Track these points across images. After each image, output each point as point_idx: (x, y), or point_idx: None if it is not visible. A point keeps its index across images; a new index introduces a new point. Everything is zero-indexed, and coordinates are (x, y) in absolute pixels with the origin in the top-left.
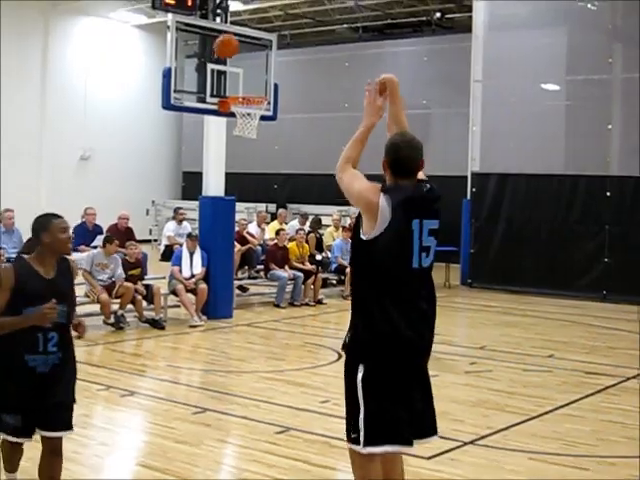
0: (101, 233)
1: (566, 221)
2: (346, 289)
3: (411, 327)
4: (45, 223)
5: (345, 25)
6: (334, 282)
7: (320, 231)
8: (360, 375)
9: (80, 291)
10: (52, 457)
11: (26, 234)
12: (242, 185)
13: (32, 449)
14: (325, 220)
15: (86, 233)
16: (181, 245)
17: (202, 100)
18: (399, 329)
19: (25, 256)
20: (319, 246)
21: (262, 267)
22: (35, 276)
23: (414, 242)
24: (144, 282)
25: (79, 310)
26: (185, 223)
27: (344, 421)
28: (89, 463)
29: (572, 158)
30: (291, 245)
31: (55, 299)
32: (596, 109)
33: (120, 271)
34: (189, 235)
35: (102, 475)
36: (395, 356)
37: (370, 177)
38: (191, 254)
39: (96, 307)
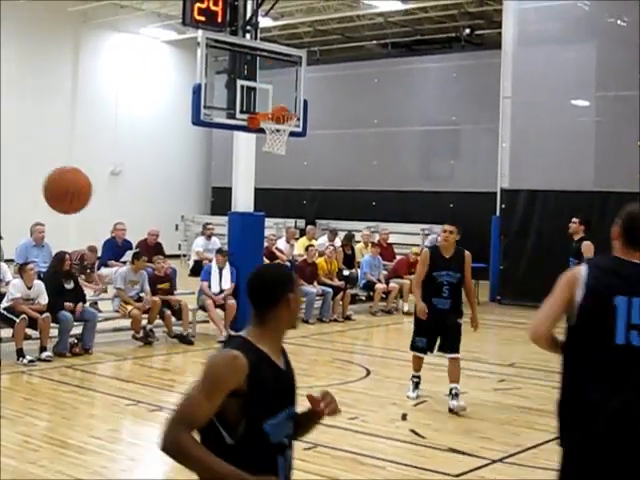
0: (130, 248)
1: (595, 237)
2: (375, 305)
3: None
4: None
5: (374, 41)
6: (363, 298)
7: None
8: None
9: (109, 306)
10: None
11: (55, 249)
12: (271, 201)
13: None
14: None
15: (115, 248)
16: (210, 260)
17: (232, 116)
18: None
19: (243, 334)
20: (350, 262)
21: None
22: (269, 366)
23: (618, 318)
24: (173, 297)
25: (108, 325)
26: (214, 238)
27: (372, 438)
28: (116, 478)
29: (602, 174)
30: (320, 261)
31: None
32: (626, 125)
33: (147, 285)
34: (219, 250)
35: None
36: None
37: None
38: (220, 270)
39: (125, 322)
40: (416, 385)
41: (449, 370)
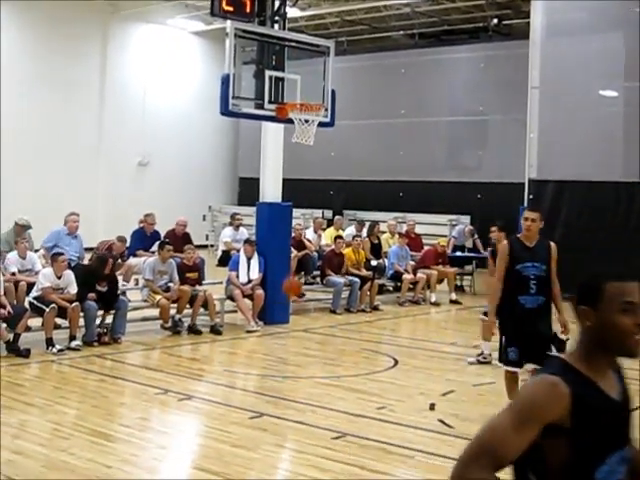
0: (159, 239)
1: (625, 228)
2: (402, 296)
3: None
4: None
5: (401, 32)
6: (390, 288)
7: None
8: None
9: (137, 296)
10: None
11: (84, 239)
12: (298, 191)
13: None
14: (381, 227)
15: (144, 238)
16: (238, 251)
17: (260, 106)
18: None
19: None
20: (377, 252)
21: (318, 273)
22: (597, 396)
23: None
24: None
25: (137, 315)
26: (242, 229)
27: (400, 427)
28: (146, 466)
29: (630, 165)
30: (347, 251)
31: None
32: None
33: (176, 275)
34: (247, 240)
35: (160, 477)
36: None
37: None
38: (249, 259)
39: (154, 311)
40: None
41: None
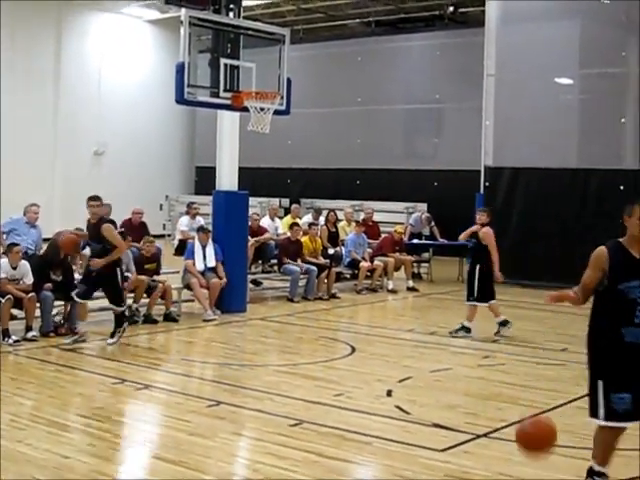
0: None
1: (579, 215)
2: (359, 283)
3: None
4: None
5: (358, 20)
6: (347, 276)
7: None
8: None
9: None
10: None
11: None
12: (255, 180)
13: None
14: (338, 215)
15: None
16: (194, 239)
17: (215, 95)
18: None
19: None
20: (334, 240)
21: (275, 261)
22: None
23: None
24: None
25: (94, 305)
26: (198, 218)
27: (357, 414)
28: (105, 455)
29: (585, 152)
30: (304, 239)
31: None
32: (610, 103)
33: (132, 265)
34: (201, 228)
35: (118, 467)
36: None
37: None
38: (203, 247)
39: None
40: None
41: None
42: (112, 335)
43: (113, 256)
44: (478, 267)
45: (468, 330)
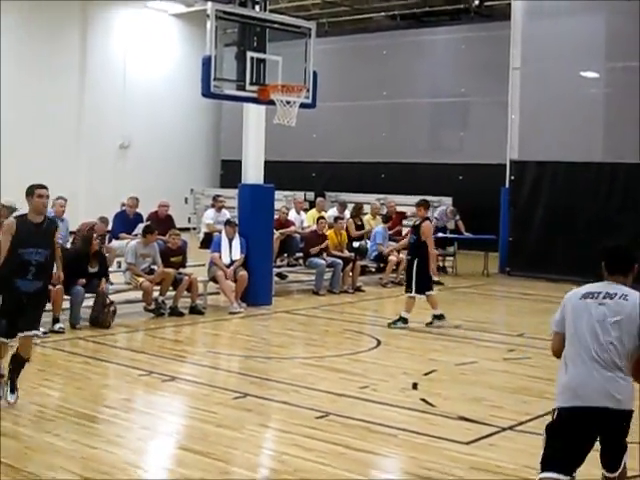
0: (141, 221)
1: (605, 209)
2: (385, 277)
3: None
4: None
5: (383, 13)
6: (372, 270)
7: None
8: None
9: (121, 278)
10: None
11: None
12: (281, 173)
13: None
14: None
15: (126, 221)
16: (220, 232)
17: (242, 88)
18: None
19: None
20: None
21: (301, 254)
22: None
23: None
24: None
25: (120, 297)
26: (224, 211)
27: (383, 407)
28: (132, 447)
29: (611, 146)
30: (330, 233)
31: None
32: (635, 96)
33: (159, 258)
34: (228, 222)
35: (145, 458)
36: None
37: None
38: (230, 241)
39: (137, 294)
40: None
41: None
42: (12, 389)
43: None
44: (417, 261)
45: (405, 321)
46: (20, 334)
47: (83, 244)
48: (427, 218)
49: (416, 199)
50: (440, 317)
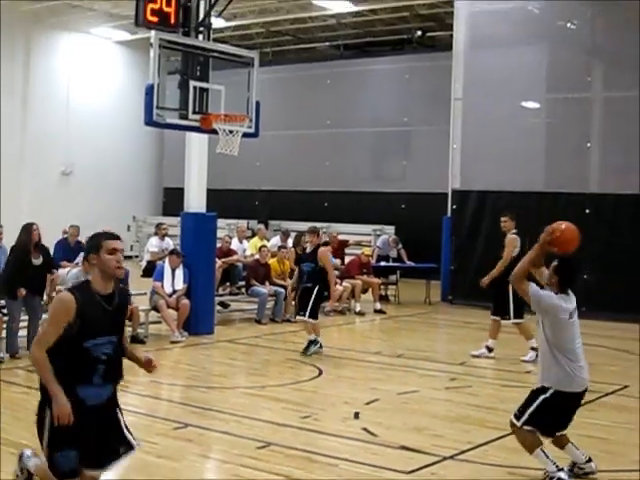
0: (83, 250)
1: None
2: (329, 305)
3: None
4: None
5: (326, 42)
6: None
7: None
8: None
9: None
10: None
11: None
12: (223, 202)
13: None
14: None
15: (68, 249)
16: (163, 261)
17: (184, 117)
18: None
19: None
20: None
21: (243, 283)
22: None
23: None
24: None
25: None
26: (167, 239)
27: (325, 436)
28: None
29: (552, 176)
30: (272, 261)
31: None
32: (576, 127)
33: None
34: (174, 251)
35: None
36: None
37: None
38: (173, 270)
39: None
40: None
41: None
42: None
43: None
44: (318, 287)
45: (316, 343)
46: None
47: (25, 234)
48: (323, 244)
49: (361, 228)
50: (315, 343)
